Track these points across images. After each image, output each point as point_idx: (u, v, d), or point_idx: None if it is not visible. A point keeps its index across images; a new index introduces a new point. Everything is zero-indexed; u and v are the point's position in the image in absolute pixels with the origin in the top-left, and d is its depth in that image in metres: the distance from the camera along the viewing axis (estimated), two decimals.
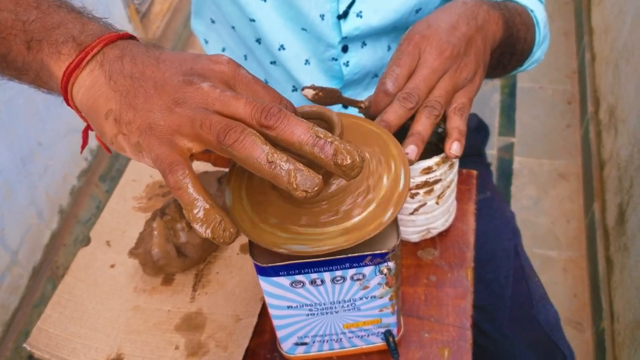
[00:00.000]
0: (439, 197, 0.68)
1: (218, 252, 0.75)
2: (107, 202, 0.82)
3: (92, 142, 1.81)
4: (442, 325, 0.67)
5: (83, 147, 0.53)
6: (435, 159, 0.63)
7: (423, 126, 0.60)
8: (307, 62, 0.84)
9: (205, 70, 0.45)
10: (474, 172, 0.81)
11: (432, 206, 0.68)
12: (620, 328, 1.32)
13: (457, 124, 0.62)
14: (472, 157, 1.02)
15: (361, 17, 0.78)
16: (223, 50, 0.92)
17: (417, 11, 0.79)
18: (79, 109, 0.47)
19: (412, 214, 0.69)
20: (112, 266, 0.75)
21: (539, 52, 0.84)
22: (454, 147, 0.62)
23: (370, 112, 0.63)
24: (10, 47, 0.50)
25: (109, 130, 0.44)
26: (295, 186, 0.39)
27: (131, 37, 0.49)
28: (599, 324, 1.45)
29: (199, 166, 0.85)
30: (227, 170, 0.82)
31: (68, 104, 0.48)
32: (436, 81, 0.62)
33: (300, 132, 0.40)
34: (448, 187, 0.68)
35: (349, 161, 0.40)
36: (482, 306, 0.85)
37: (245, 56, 0.90)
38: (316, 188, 0.40)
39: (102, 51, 0.46)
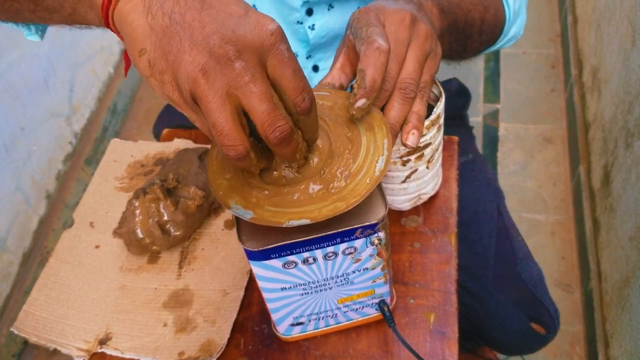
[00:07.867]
0: (428, 161, 0.68)
1: (203, 229, 0.75)
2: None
3: (76, 125, 1.79)
4: (427, 291, 0.68)
5: (126, 69, 0.52)
6: (425, 123, 0.62)
7: (397, 114, 0.54)
8: None
9: (246, 40, 0.42)
10: (455, 138, 0.81)
11: (423, 171, 0.68)
12: (607, 287, 1.34)
13: (416, 108, 0.56)
14: (454, 120, 1.02)
15: None
16: None
17: None
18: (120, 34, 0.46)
19: (404, 182, 0.69)
20: (97, 247, 0.75)
21: (514, 29, 0.80)
22: (411, 139, 0.55)
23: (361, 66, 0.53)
24: None
25: (142, 69, 0.44)
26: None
27: None
28: (587, 284, 1.47)
29: (180, 143, 0.84)
30: (208, 147, 0.81)
31: (111, 30, 0.47)
32: (405, 54, 0.55)
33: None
34: (437, 150, 0.68)
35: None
36: (466, 266, 0.86)
37: None
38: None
39: None
